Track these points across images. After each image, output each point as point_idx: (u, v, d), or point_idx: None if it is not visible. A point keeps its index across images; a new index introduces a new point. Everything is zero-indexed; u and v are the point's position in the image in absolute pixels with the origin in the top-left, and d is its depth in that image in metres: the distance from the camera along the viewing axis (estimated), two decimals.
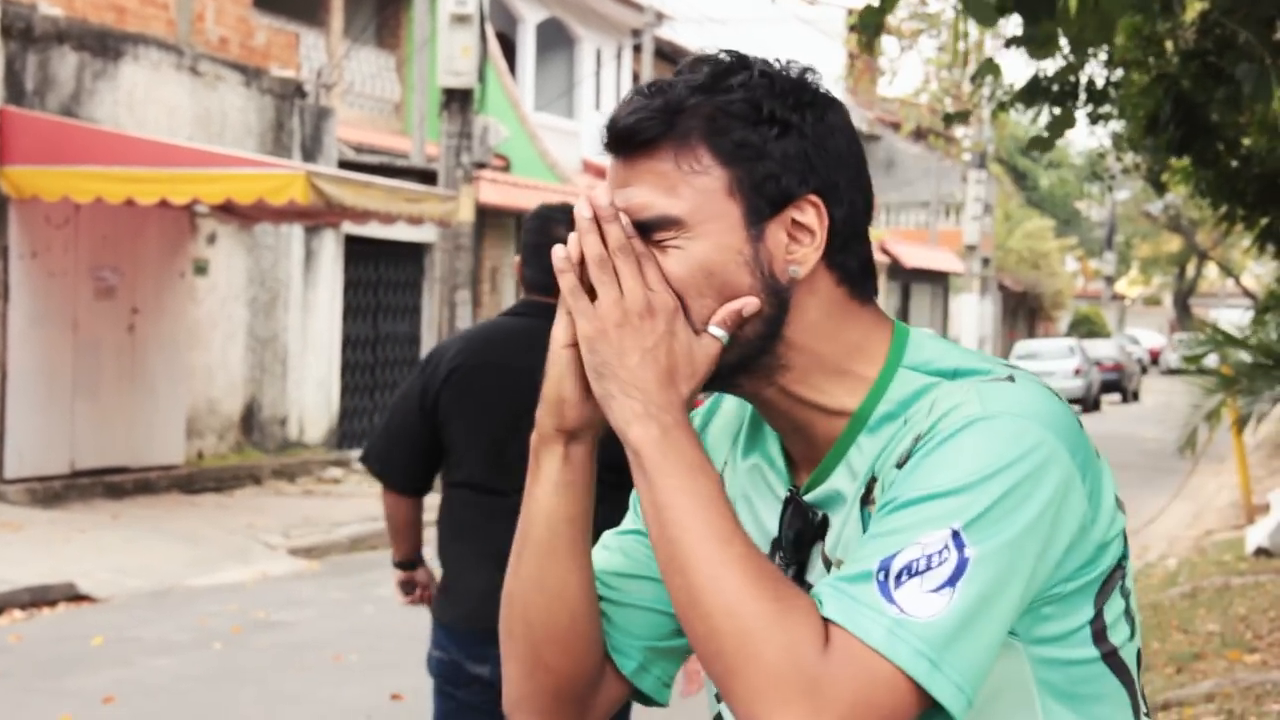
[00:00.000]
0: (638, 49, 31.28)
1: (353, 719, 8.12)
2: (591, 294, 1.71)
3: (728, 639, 1.57)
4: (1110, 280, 55.75)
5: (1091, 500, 1.66)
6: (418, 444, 4.62)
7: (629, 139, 1.71)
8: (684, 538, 1.61)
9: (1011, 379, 1.68)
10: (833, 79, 33.66)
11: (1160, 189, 12.18)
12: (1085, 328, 53.31)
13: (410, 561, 4.97)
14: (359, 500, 16.83)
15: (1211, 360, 12.84)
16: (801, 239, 1.71)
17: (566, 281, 1.71)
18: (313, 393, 19.52)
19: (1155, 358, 60.29)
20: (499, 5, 26.74)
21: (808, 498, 1.77)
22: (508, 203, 23.29)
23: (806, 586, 1.72)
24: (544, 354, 3.90)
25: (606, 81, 31.49)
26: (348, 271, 20.52)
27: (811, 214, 1.71)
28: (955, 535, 1.57)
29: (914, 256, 41.04)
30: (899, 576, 1.56)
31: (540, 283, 4.50)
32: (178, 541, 13.35)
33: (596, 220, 1.69)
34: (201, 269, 17.24)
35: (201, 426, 17.42)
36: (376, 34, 23.69)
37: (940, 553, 1.56)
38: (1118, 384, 42.42)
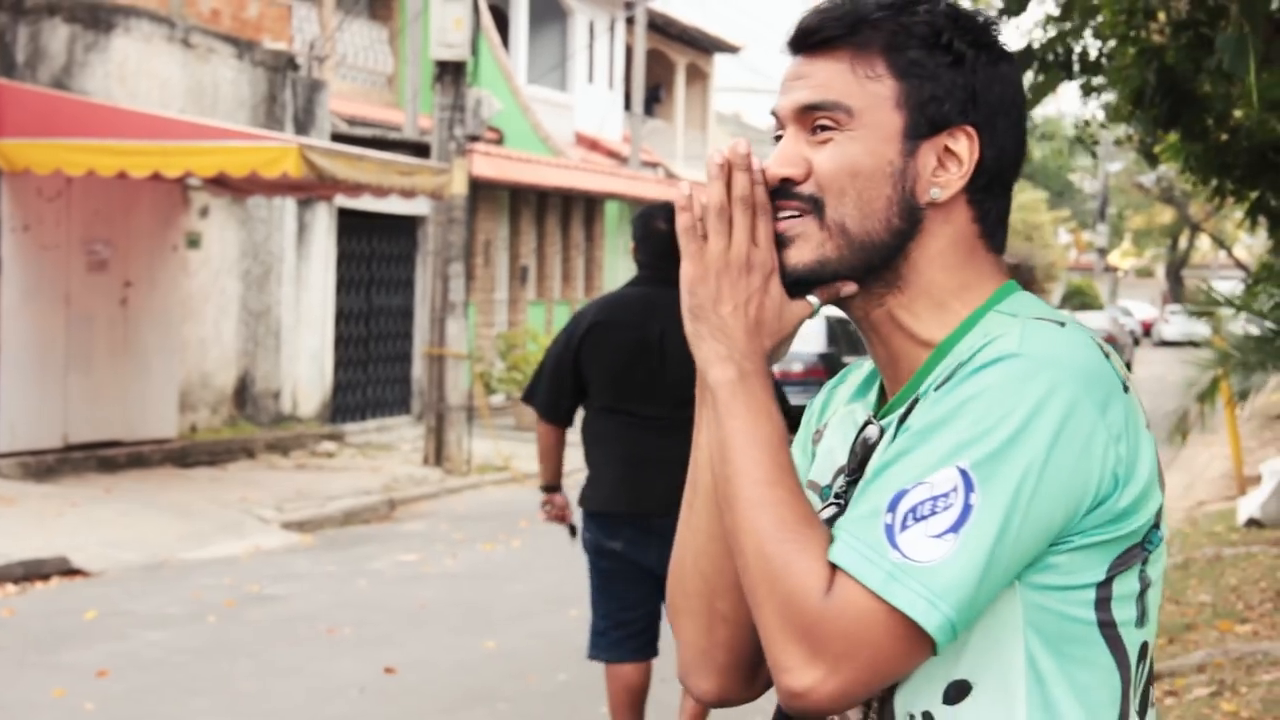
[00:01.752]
0: (630, 22, 31.28)
1: (346, 691, 8.17)
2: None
3: (755, 577, 1.68)
4: (1103, 252, 55.95)
5: (1123, 463, 1.70)
6: (565, 383, 6.23)
7: (810, 35, 1.82)
8: (735, 477, 1.72)
9: (1062, 325, 1.74)
10: None
11: (1153, 161, 12.18)
12: (1078, 300, 53.34)
13: (552, 486, 6.53)
14: (352, 474, 16.90)
15: (1204, 330, 12.85)
16: (949, 165, 1.81)
17: (683, 220, 1.80)
18: (306, 366, 19.56)
19: (1148, 329, 60.33)
20: None
21: (883, 421, 1.85)
22: (501, 175, 23.37)
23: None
24: (652, 312, 5.19)
25: (599, 54, 31.56)
26: (341, 244, 20.57)
27: (964, 143, 1.81)
28: (964, 475, 1.63)
29: None
30: (905, 520, 1.63)
31: (648, 264, 6.17)
32: (171, 515, 13.37)
33: (728, 169, 1.78)
34: (194, 242, 17.25)
35: (194, 400, 17.47)
36: (369, 6, 23.72)
37: (947, 495, 1.63)
38: None
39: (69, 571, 11.28)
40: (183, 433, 17.07)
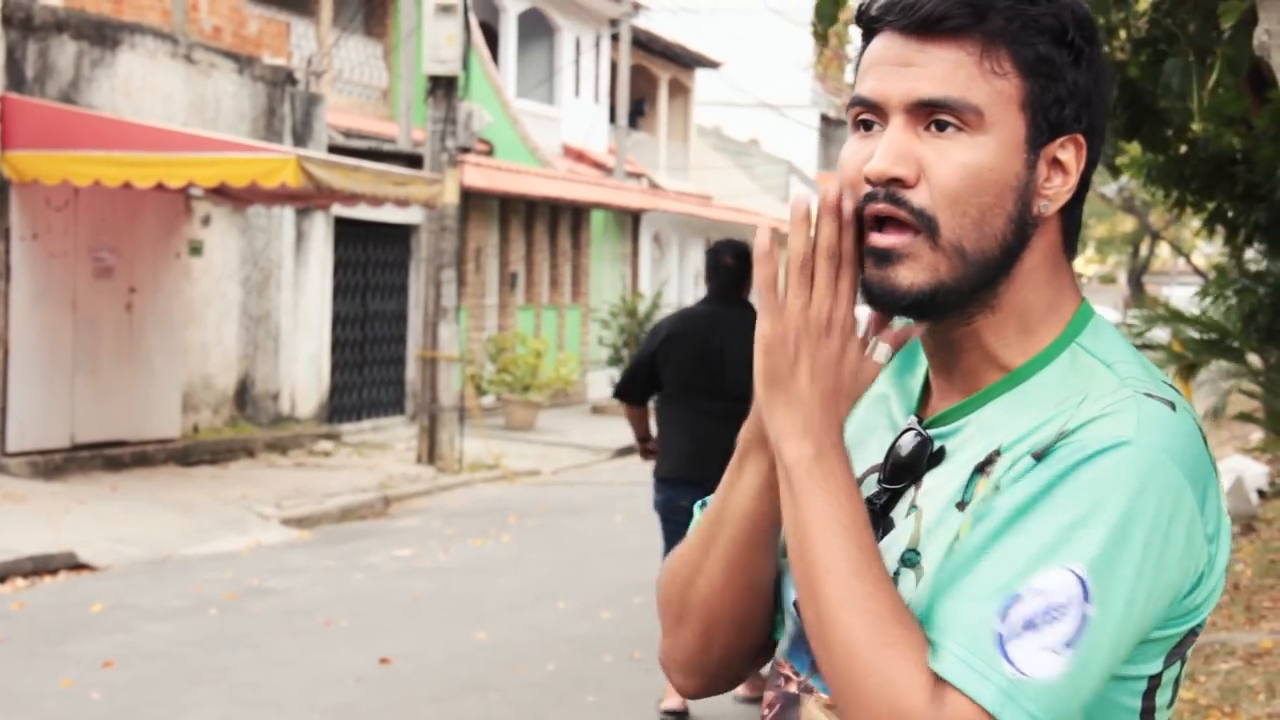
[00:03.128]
0: (615, 38, 31.21)
1: (342, 681, 8.25)
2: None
3: (840, 674, 1.53)
4: None
5: (1210, 561, 1.59)
6: (643, 377, 7.70)
7: (934, 21, 1.58)
8: (818, 564, 1.55)
9: (1173, 406, 1.57)
10: (802, 66, 33.71)
11: (1115, 172, 12.46)
12: None
13: (645, 436, 8.07)
14: (349, 472, 16.88)
15: (1163, 335, 13.21)
16: (1054, 176, 1.62)
17: (762, 273, 1.61)
18: (304, 368, 19.53)
19: None
20: None
21: (930, 431, 1.68)
22: (491, 185, 23.28)
23: (889, 522, 1.67)
24: (716, 327, 7.49)
25: (585, 70, 31.38)
26: (337, 252, 20.56)
27: (1072, 152, 1.62)
28: (1081, 583, 1.49)
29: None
30: (1017, 630, 1.49)
31: (716, 290, 7.62)
32: (174, 512, 13.40)
33: (813, 216, 1.60)
34: (196, 249, 17.26)
35: (197, 401, 17.43)
36: (364, 23, 23.59)
37: (1063, 606, 1.48)
38: None
39: (76, 566, 11.32)
40: (185, 433, 17.02)
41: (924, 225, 1.57)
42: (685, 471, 7.56)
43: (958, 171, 1.57)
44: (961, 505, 1.60)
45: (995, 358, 1.64)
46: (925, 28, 1.58)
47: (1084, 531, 1.49)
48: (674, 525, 7.63)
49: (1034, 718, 1.47)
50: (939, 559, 1.59)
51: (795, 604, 1.69)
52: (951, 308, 1.61)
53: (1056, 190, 1.61)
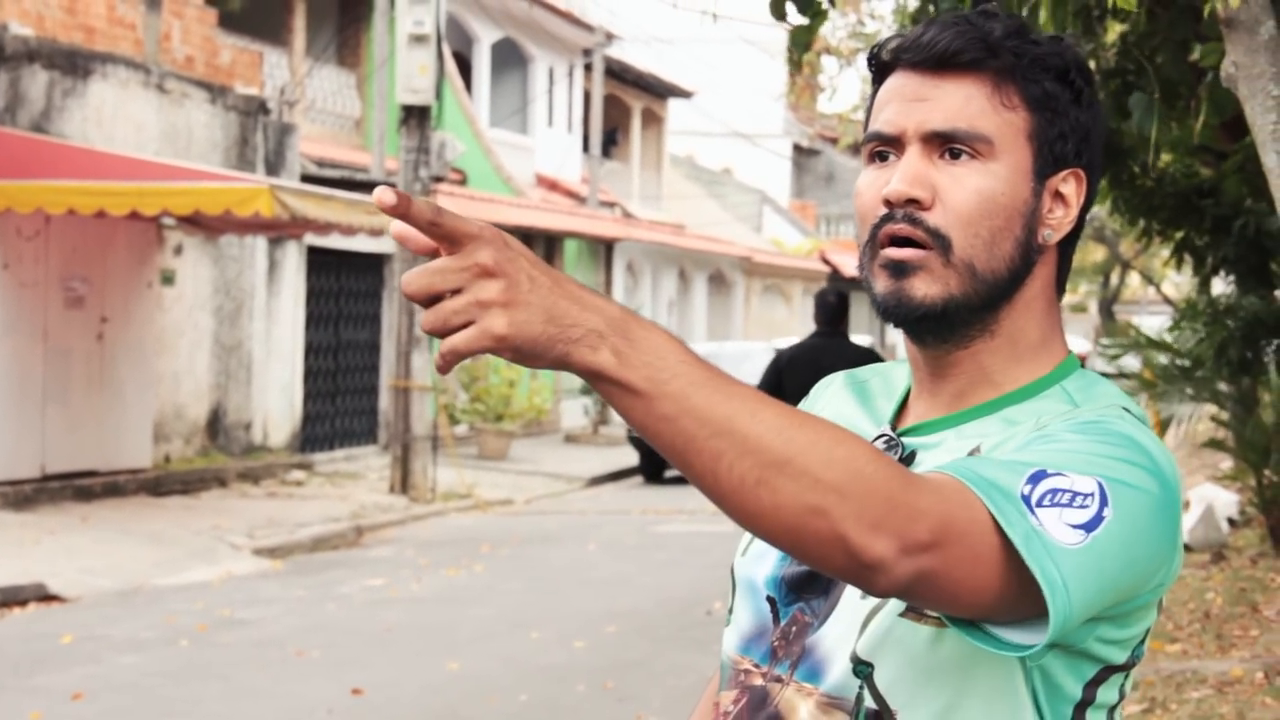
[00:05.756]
0: (588, 68, 31.36)
1: (314, 713, 8.20)
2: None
3: (830, 487, 1.43)
4: None
5: (1169, 571, 1.62)
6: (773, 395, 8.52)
7: (949, 57, 1.68)
8: (739, 424, 1.46)
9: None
10: (774, 96, 33.92)
11: None
12: None
13: None
14: (321, 502, 16.87)
15: (1133, 363, 13.28)
16: (1057, 208, 1.71)
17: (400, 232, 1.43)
18: (276, 398, 19.57)
19: (1083, 362, 60.86)
20: (455, 25, 26.87)
21: (904, 439, 1.73)
22: (464, 215, 23.55)
23: None
24: (825, 353, 9.15)
25: (559, 99, 31.56)
26: (310, 281, 20.62)
27: (1073, 185, 1.72)
28: (1101, 489, 1.50)
29: (852, 266, 41.26)
30: (1043, 498, 1.48)
31: (823, 324, 9.31)
32: (145, 542, 13.40)
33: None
34: (168, 279, 17.31)
35: (169, 431, 17.45)
36: (337, 53, 23.72)
37: (1086, 497, 1.49)
38: None
39: (46, 597, 11.31)
40: (157, 463, 17.01)
41: (937, 243, 1.66)
42: None
43: (971, 195, 1.66)
44: None
45: (987, 379, 1.71)
46: (940, 64, 1.69)
47: (1108, 456, 1.53)
48: None
49: (1056, 566, 1.45)
50: None
51: (769, 599, 1.72)
52: (959, 324, 1.69)
53: (1059, 221, 1.71)
